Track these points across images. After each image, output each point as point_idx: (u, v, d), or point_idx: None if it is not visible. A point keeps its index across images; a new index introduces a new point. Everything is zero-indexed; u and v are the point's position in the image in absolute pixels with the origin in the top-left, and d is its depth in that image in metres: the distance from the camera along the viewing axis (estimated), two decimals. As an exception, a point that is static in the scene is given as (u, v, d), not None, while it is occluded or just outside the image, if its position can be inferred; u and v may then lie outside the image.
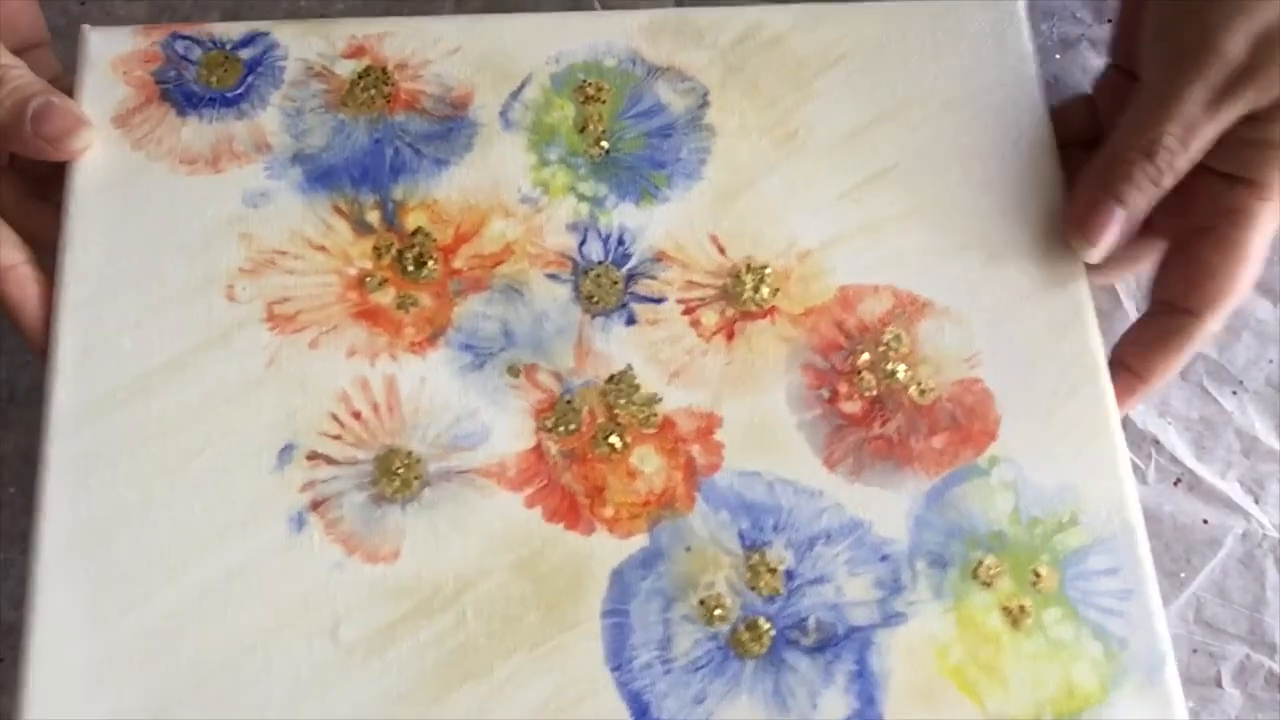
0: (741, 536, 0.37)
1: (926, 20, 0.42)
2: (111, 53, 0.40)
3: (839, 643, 0.36)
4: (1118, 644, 0.36)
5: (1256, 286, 0.44)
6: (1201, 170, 0.38)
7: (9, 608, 0.43)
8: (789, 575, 0.36)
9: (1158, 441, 0.46)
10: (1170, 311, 0.39)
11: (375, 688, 0.35)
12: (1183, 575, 0.45)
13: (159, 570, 0.35)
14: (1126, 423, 0.44)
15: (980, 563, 0.37)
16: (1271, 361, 0.46)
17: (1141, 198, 0.38)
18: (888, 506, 0.37)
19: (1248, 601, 0.45)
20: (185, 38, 0.41)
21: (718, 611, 0.36)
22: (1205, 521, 0.45)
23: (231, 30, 0.41)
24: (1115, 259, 0.40)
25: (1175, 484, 0.46)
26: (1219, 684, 0.44)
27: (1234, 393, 0.46)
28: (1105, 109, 0.42)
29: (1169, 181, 0.38)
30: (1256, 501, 0.46)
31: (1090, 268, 0.40)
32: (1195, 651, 0.45)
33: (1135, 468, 0.45)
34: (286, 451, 0.37)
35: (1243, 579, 0.45)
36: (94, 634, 0.35)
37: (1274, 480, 0.46)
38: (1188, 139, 0.37)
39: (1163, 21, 0.38)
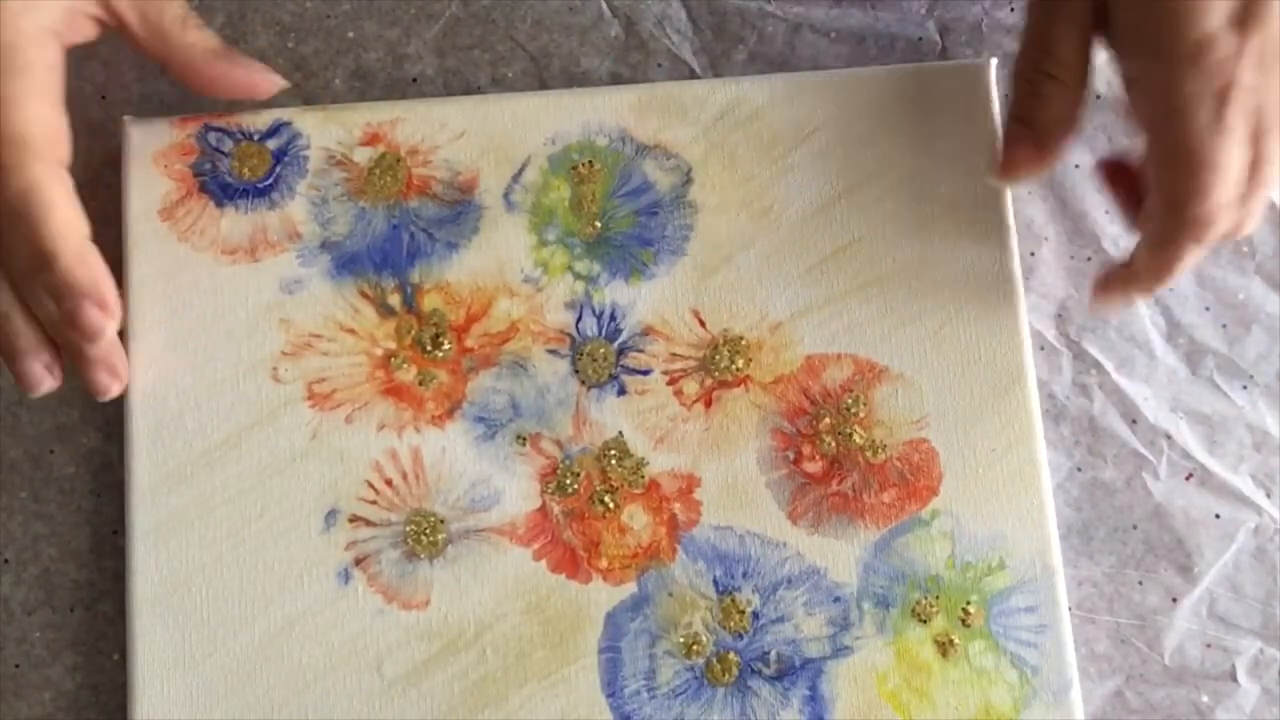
0: (716, 583, 0.44)
1: (896, 88, 0.46)
2: (151, 147, 0.45)
3: (795, 672, 0.43)
4: (1031, 671, 0.43)
5: (1266, 280, 0.47)
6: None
7: (22, 613, 0.46)
8: (755, 615, 0.43)
9: (1169, 436, 0.46)
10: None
11: (414, 714, 0.42)
12: (1195, 570, 0.45)
13: (233, 619, 0.43)
14: (1138, 417, 0.46)
15: (918, 602, 0.43)
16: (1281, 356, 0.47)
17: (1043, 105, 0.41)
18: (841, 555, 0.44)
19: (1260, 595, 0.45)
20: (217, 129, 0.45)
21: (695, 647, 0.43)
22: (1217, 516, 0.46)
23: (258, 121, 0.45)
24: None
25: (1187, 479, 0.46)
26: (1234, 678, 0.45)
27: (1244, 387, 0.46)
28: None
29: (1057, 71, 0.40)
30: (1268, 496, 0.46)
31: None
32: (1209, 646, 0.45)
33: (1147, 463, 0.46)
34: (331, 515, 0.43)
35: (1255, 573, 0.45)
36: (185, 672, 0.43)
37: (1286, 474, 0.46)
38: (1044, 47, 0.40)
39: None
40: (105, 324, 0.41)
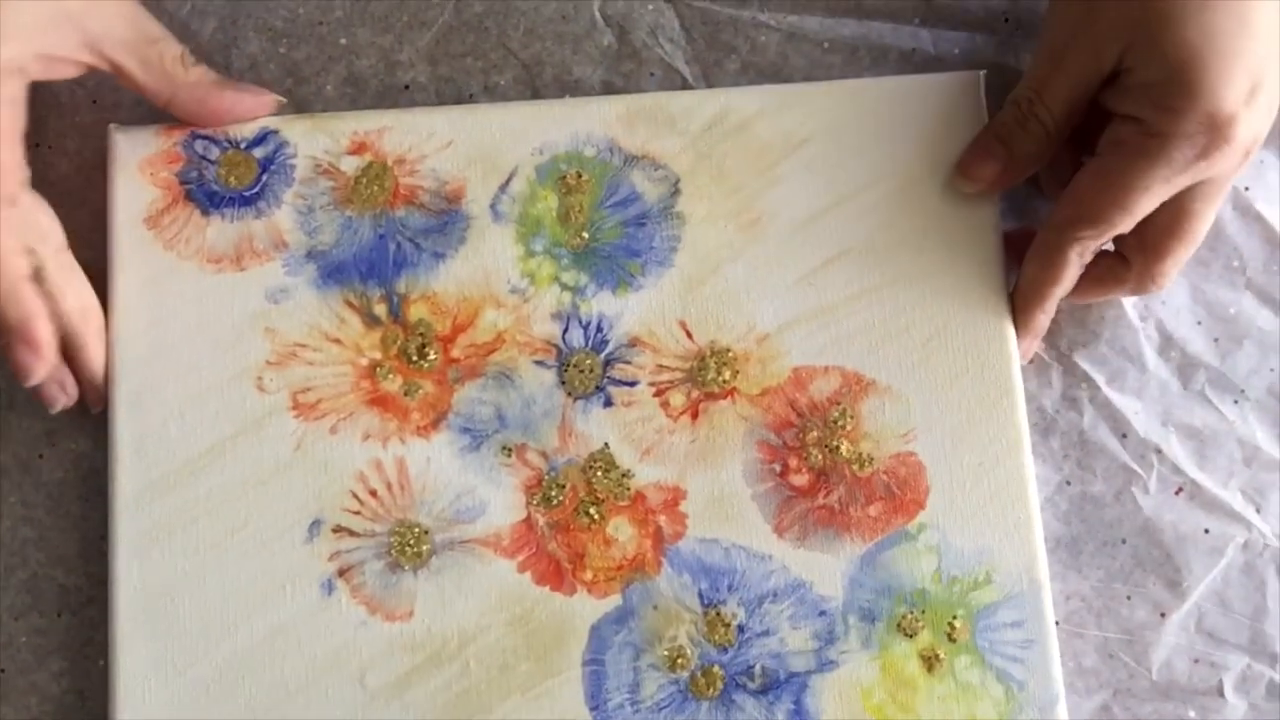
0: (701, 596, 0.43)
1: (886, 99, 0.46)
2: (138, 155, 0.45)
3: (780, 686, 0.43)
4: (1017, 686, 0.43)
5: (1257, 295, 0.47)
6: (1105, 114, 0.43)
7: (9, 618, 0.45)
8: (740, 629, 0.43)
9: (1159, 450, 0.46)
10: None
11: (397, 726, 0.42)
12: (1184, 585, 0.45)
13: (215, 629, 0.43)
14: (1128, 431, 0.46)
15: (904, 617, 0.43)
16: (1273, 370, 0.47)
17: (1022, 136, 0.43)
18: (827, 568, 0.43)
19: (1249, 611, 0.45)
20: (204, 137, 0.45)
21: (679, 660, 0.43)
22: (1206, 531, 0.46)
23: (245, 129, 0.45)
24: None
25: (1176, 493, 0.46)
26: (1221, 694, 0.45)
27: (1235, 402, 0.46)
28: None
29: (1045, 117, 0.43)
30: (1258, 511, 0.46)
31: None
32: (1197, 661, 0.45)
33: (1137, 477, 0.46)
34: (315, 526, 0.43)
35: (1244, 589, 0.45)
36: (167, 682, 0.42)
37: (1275, 490, 0.46)
38: (1041, 91, 0.43)
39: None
40: (34, 364, 0.42)
